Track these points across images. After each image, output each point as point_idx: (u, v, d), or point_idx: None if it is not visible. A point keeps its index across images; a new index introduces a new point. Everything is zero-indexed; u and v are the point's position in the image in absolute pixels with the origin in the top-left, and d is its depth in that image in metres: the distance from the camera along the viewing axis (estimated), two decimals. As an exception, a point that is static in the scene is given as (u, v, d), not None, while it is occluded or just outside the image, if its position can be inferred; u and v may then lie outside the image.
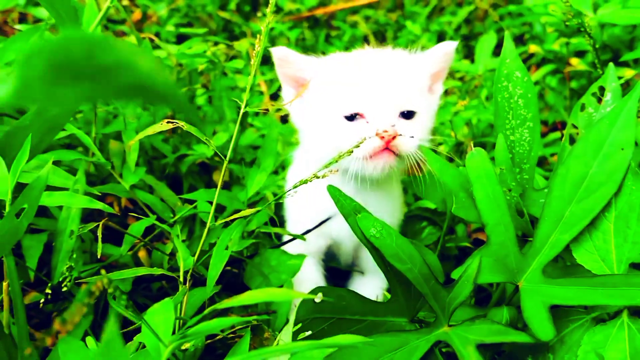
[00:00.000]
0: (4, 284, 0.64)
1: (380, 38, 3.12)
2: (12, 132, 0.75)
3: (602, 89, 0.92)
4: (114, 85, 0.25)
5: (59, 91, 0.24)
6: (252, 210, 0.79)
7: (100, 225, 0.77)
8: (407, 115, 0.94)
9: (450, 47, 1.02)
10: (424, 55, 1.02)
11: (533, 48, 1.79)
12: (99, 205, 0.73)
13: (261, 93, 2.08)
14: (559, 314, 0.79)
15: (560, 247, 0.77)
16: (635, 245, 0.74)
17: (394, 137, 0.88)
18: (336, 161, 0.82)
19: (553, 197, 0.78)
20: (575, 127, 0.89)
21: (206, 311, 0.55)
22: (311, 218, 1.06)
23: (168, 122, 0.77)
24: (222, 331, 0.77)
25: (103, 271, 0.52)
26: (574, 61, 1.67)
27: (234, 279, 1.08)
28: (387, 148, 0.89)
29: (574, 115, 0.90)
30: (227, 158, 0.82)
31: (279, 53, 0.98)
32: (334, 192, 0.76)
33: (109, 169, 0.95)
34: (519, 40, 2.52)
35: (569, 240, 0.76)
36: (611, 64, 0.92)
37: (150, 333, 0.55)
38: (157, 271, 0.74)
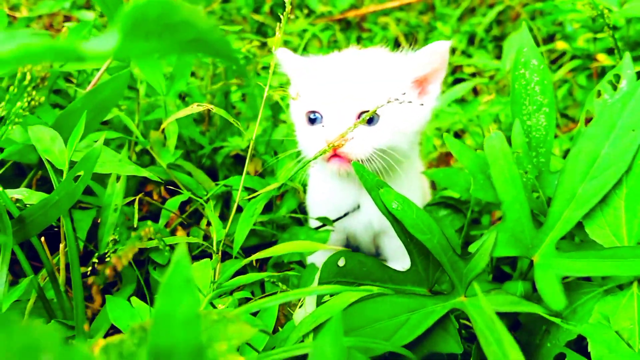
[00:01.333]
0: (61, 245, 0.72)
1: (412, 40, 3.17)
2: (65, 114, 0.83)
3: (618, 77, 0.95)
4: (178, 39, 0.31)
5: (136, 46, 0.30)
6: (275, 185, 0.86)
7: (137, 199, 0.84)
8: (368, 119, 0.92)
9: (442, 46, 0.97)
10: (410, 56, 1.00)
11: (560, 45, 1.82)
12: (144, 172, 0.80)
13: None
14: (572, 286, 0.83)
15: (573, 223, 0.81)
16: (645, 220, 0.78)
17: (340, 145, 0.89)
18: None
19: (566, 176, 0.83)
20: (590, 112, 0.93)
21: (242, 264, 0.61)
22: (329, 213, 1.11)
23: (198, 106, 0.84)
24: (254, 295, 0.84)
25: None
26: (601, 57, 1.70)
27: (267, 260, 1.15)
28: (337, 154, 0.92)
29: (590, 101, 0.94)
30: (252, 143, 0.89)
31: (279, 54, 1.04)
32: (358, 168, 0.82)
33: (148, 148, 1.03)
34: (550, 40, 2.54)
35: (581, 217, 0.81)
36: (627, 52, 0.96)
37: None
38: (193, 240, 0.81)
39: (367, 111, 0.90)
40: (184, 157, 1.49)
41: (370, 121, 0.93)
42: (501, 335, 0.53)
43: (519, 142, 0.91)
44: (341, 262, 0.76)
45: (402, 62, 0.99)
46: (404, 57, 1.01)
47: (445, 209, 1.29)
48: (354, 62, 0.98)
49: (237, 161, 1.62)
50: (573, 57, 2.06)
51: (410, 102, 0.92)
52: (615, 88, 0.95)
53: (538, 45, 2.10)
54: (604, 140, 0.82)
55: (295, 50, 2.40)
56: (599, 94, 0.94)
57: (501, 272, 1.20)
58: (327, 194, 1.12)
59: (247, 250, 1.08)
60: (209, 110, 1.60)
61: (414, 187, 1.18)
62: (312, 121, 0.97)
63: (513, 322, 0.89)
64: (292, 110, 1.08)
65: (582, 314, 0.80)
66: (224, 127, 1.64)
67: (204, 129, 1.60)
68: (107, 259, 0.82)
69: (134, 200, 0.92)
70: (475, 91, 2.46)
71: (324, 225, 1.10)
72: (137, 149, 1.37)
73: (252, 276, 0.61)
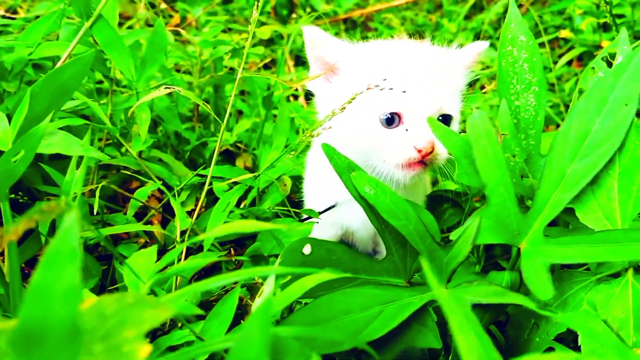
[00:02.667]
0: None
1: (419, 38, 3.11)
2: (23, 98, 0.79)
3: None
4: None
5: None
6: (250, 175, 0.81)
7: (99, 187, 0.79)
8: (444, 120, 0.89)
9: (482, 46, 0.97)
10: (460, 53, 0.97)
11: (564, 33, 1.75)
12: (94, 153, 0.75)
13: (296, 97, 2.11)
14: (563, 276, 0.77)
15: (562, 206, 0.74)
16: (640, 201, 0.72)
17: (430, 152, 0.85)
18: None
19: (554, 156, 0.76)
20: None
21: (184, 245, 0.56)
22: (323, 205, 1.05)
23: (166, 88, 0.79)
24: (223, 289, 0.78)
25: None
26: (606, 44, 1.63)
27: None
28: (422, 161, 0.87)
29: (584, 79, 0.87)
30: (222, 129, 0.84)
31: (310, 33, 0.92)
32: (328, 150, 0.76)
33: (117, 135, 0.98)
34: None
35: (570, 199, 0.74)
36: (624, 28, 0.90)
37: (131, 274, 0.57)
38: (150, 228, 0.76)
39: (445, 112, 0.89)
40: (171, 153, 1.45)
41: (446, 123, 0.89)
42: (459, 331, 0.47)
43: (506, 123, 0.84)
44: (306, 250, 0.70)
45: (457, 59, 0.95)
46: (454, 53, 0.96)
47: (443, 203, 1.22)
48: (425, 57, 0.91)
49: (227, 157, 1.57)
50: (580, 53, 1.99)
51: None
52: (610, 65, 0.88)
53: (541, 36, 2.03)
54: (594, 116, 0.75)
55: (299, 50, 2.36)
56: (593, 70, 0.88)
57: (500, 268, 1.14)
58: (324, 185, 1.06)
59: (226, 245, 1.03)
60: (197, 106, 1.57)
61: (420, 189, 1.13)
62: (389, 122, 0.87)
63: (502, 313, 0.83)
64: (333, 100, 0.93)
65: (574, 305, 0.74)
66: (215, 123, 1.60)
67: (194, 123, 1.56)
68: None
69: (116, 208, 0.87)
70: (483, 88, 2.40)
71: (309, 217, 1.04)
72: (123, 150, 1.32)
73: (197, 262, 0.56)
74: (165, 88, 0.82)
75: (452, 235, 0.78)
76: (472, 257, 0.97)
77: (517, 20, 0.89)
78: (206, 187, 0.82)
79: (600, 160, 0.73)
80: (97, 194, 0.81)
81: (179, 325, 0.70)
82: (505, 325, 0.84)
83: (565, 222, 0.87)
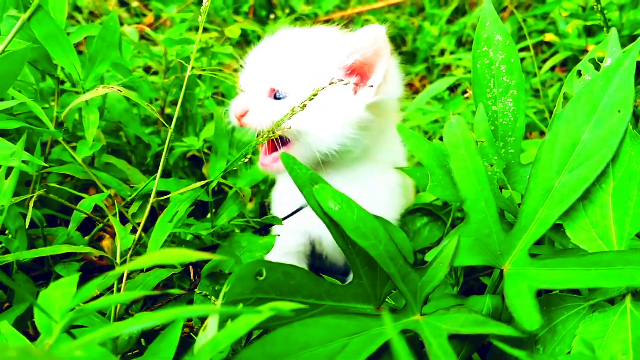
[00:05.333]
0: None
1: (400, 41, 3.06)
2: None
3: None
4: None
5: None
6: (200, 183, 0.73)
7: (32, 198, 0.70)
8: (276, 96, 0.90)
9: (374, 31, 0.84)
10: (343, 38, 0.91)
11: (549, 37, 1.69)
12: (12, 162, 0.65)
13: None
14: (552, 300, 0.69)
15: (549, 223, 0.67)
16: (638, 218, 0.64)
17: (242, 115, 0.89)
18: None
19: (540, 168, 0.69)
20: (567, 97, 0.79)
21: (107, 281, 0.47)
22: (289, 210, 0.98)
23: (103, 87, 0.71)
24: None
25: None
26: (592, 48, 1.56)
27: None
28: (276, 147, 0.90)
29: (568, 83, 0.80)
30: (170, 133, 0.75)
31: None
32: (287, 160, 0.68)
33: (60, 139, 0.88)
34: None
35: (559, 216, 0.67)
36: (613, 29, 0.83)
37: (41, 312, 0.47)
38: (83, 249, 0.67)
39: (275, 87, 0.90)
40: (137, 159, 1.36)
41: (279, 97, 0.90)
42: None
43: (483, 130, 0.77)
44: (259, 275, 0.62)
45: (330, 45, 0.89)
46: (333, 38, 0.92)
47: (424, 216, 1.13)
48: (274, 42, 0.94)
49: (194, 163, 1.48)
50: (565, 57, 1.93)
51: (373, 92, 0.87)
52: (597, 68, 0.81)
53: (525, 40, 1.97)
54: (584, 123, 0.68)
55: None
56: (579, 74, 0.80)
57: (482, 285, 1.05)
58: (288, 189, 0.98)
59: (185, 264, 0.94)
60: (163, 108, 1.47)
61: (380, 192, 1.01)
62: None
63: (482, 342, 0.75)
64: None
65: (563, 334, 0.66)
66: (181, 126, 1.50)
67: (159, 127, 1.46)
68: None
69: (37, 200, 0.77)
70: (465, 93, 2.33)
71: (271, 224, 0.96)
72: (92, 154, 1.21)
73: (124, 295, 0.47)
74: (103, 87, 0.73)
75: (428, 256, 0.70)
76: (449, 279, 0.89)
77: (492, 19, 0.81)
78: (151, 201, 0.73)
79: (592, 173, 0.66)
80: (30, 205, 0.72)
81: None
82: (488, 352, 0.76)
83: (550, 240, 0.80)
